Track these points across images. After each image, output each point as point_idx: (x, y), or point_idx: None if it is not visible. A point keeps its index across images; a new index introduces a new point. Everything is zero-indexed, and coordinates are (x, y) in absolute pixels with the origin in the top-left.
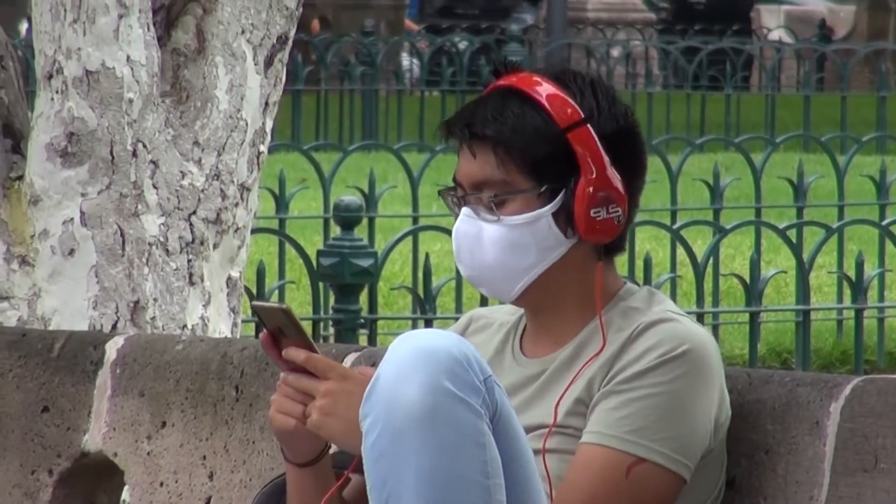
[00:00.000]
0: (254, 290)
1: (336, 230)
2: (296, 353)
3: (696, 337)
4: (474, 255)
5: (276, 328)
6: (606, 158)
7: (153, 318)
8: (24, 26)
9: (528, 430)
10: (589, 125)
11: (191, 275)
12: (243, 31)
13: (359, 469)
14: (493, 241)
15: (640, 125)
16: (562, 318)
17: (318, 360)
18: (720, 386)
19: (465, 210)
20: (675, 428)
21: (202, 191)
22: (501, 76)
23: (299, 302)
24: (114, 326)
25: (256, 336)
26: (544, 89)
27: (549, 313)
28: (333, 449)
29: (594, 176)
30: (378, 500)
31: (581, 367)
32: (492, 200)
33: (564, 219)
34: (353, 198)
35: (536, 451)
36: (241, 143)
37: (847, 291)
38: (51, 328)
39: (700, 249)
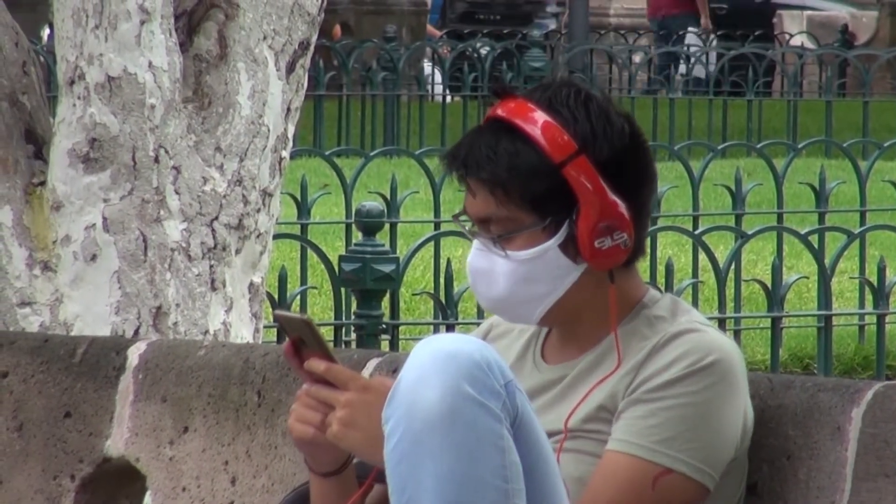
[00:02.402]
0: (276, 296)
1: (358, 236)
2: (316, 364)
3: (722, 347)
4: (489, 287)
5: (298, 338)
6: (606, 186)
7: (175, 324)
8: (46, 32)
9: (546, 435)
10: (585, 154)
11: (213, 280)
12: (265, 37)
13: (379, 478)
14: (505, 275)
15: (641, 134)
16: (585, 328)
17: (339, 371)
18: (745, 396)
19: (475, 243)
20: (702, 438)
21: (224, 196)
22: (501, 98)
23: (321, 307)
24: (136, 332)
25: (278, 342)
26: (538, 118)
27: (572, 326)
28: (357, 458)
29: (594, 207)
30: (398, 503)
31: (596, 383)
32: (495, 239)
33: (572, 247)
34: (374, 203)
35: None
36: (263, 149)
37: (869, 297)
38: (73, 334)
39: (722, 255)
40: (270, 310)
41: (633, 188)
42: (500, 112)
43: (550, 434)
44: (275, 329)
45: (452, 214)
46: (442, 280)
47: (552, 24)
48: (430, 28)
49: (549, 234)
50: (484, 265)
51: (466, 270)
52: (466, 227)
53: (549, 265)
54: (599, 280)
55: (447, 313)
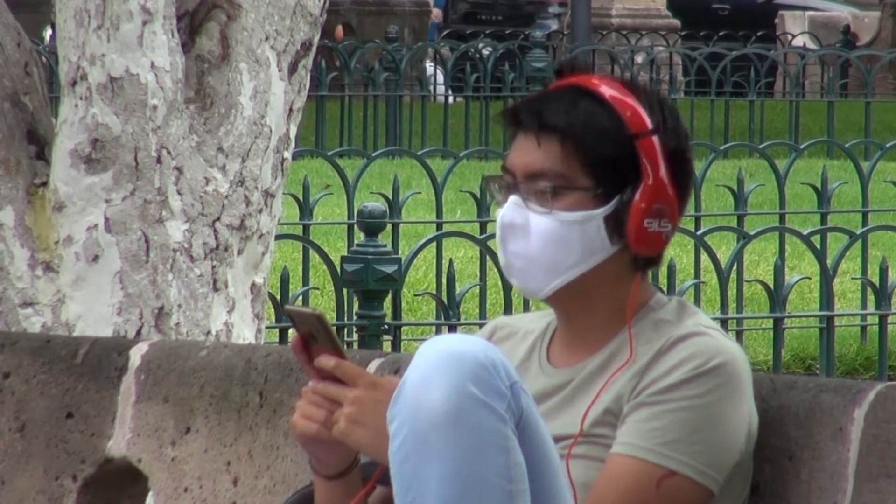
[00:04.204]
0: (278, 297)
1: (360, 236)
2: (326, 360)
3: (728, 351)
4: (518, 243)
5: (308, 333)
6: (666, 173)
7: (177, 325)
8: (48, 32)
9: (555, 439)
10: (655, 137)
11: (215, 281)
12: (267, 38)
13: (384, 479)
14: (541, 233)
15: (693, 150)
16: (592, 325)
17: (348, 367)
18: (751, 399)
19: (513, 198)
20: (707, 441)
21: (226, 197)
22: (564, 75)
23: (323, 308)
24: (138, 332)
25: (280, 342)
26: (618, 91)
27: (580, 319)
28: (364, 460)
29: (654, 187)
30: (403, 503)
31: (608, 379)
32: (549, 191)
33: (613, 225)
34: (376, 204)
35: (561, 458)
36: (265, 150)
37: (871, 297)
38: (75, 334)
39: (724, 255)
40: (272, 310)
41: (679, 194)
42: (574, 80)
43: (560, 437)
44: (276, 330)
45: (486, 176)
46: (444, 280)
47: (554, 25)
48: (436, 11)
49: (597, 204)
50: (519, 220)
51: (497, 224)
52: (505, 183)
53: (587, 235)
54: (621, 273)
55: (449, 314)
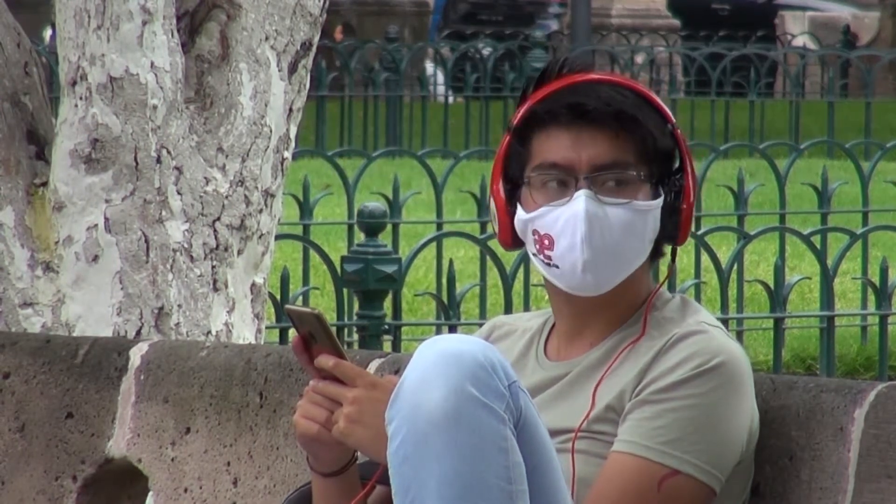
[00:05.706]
0: (278, 297)
1: (360, 236)
2: (325, 360)
3: (729, 350)
4: (604, 237)
5: (308, 333)
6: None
7: (177, 325)
8: (48, 32)
9: (551, 432)
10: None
11: (215, 281)
12: (267, 38)
13: (383, 479)
14: (622, 224)
15: None
16: (601, 320)
17: (347, 367)
18: (752, 398)
19: (585, 192)
20: (708, 440)
21: (226, 197)
22: (573, 72)
23: (323, 308)
24: (138, 333)
25: (281, 342)
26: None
27: (598, 313)
28: (361, 458)
29: (691, 177)
30: (402, 503)
31: (620, 352)
32: (638, 180)
33: (663, 215)
34: (377, 204)
35: (559, 452)
36: (265, 150)
37: (871, 297)
38: (75, 334)
39: (724, 255)
40: (272, 310)
41: None
42: (600, 76)
43: (555, 432)
44: (277, 330)
45: (527, 174)
46: (444, 281)
47: (554, 25)
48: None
49: (654, 194)
50: (599, 212)
51: (580, 219)
52: (565, 177)
53: (650, 224)
54: (647, 264)
55: (449, 314)
